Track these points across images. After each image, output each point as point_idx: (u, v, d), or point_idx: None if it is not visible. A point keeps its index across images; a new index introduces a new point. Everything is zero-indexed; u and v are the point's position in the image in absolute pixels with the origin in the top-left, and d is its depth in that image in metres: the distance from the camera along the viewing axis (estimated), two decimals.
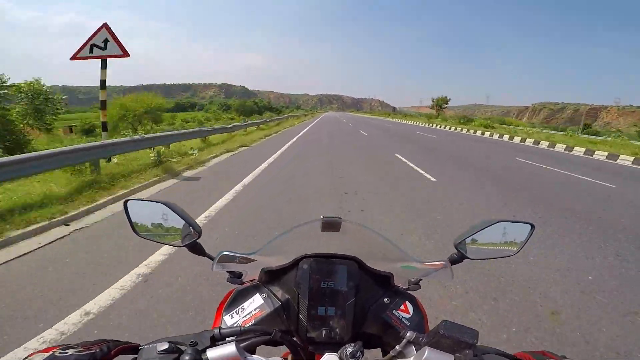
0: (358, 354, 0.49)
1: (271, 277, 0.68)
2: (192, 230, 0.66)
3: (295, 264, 0.65)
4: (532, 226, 0.72)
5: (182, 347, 0.46)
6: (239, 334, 0.52)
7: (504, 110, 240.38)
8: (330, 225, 0.71)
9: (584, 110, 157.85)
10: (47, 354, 0.39)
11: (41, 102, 15.51)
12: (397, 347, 0.53)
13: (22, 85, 14.88)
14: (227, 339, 0.51)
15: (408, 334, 0.52)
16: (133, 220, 0.68)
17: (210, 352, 0.46)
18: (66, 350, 0.41)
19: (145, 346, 0.46)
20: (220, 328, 0.52)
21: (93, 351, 0.42)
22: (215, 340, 0.51)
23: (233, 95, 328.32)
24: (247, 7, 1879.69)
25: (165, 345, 0.44)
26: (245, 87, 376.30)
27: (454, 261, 0.70)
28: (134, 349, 0.47)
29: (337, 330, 0.60)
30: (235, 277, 0.71)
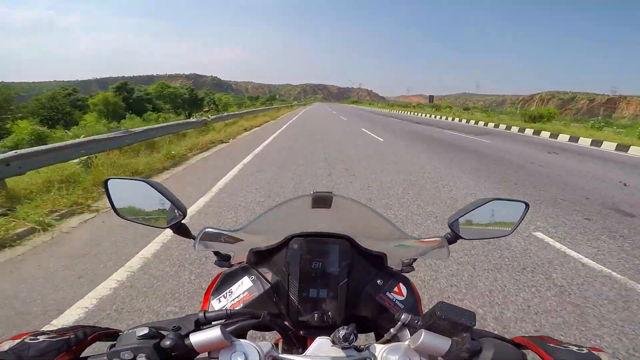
0: (351, 337, 0.48)
1: (260, 258, 0.68)
2: (177, 211, 0.65)
3: (285, 243, 0.65)
4: (527, 205, 0.73)
5: (165, 332, 0.46)
6: (226, 318, 0.52)
7: (498, 100, 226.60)
8: (321, 200, 0.71)
9: (601, 101, 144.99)
10: (16, 341, 0.39)
11: None
12: (391, 330, 0.54)
13: None
14: (213, 322, 0.51)
15: (403, 317, 0.53)
16: (114, 200, 0.67)
17: (194, 337, 0.45)
18: (37, 337, 0.41)
19: (125, 332, 0.46)
20: (205, 312, 0.52)
21: (67, 337, 0.42)
22: (200, 325, 0.50)
23: (203, 87, 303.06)
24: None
25: (146, 330, 0.44)
26: (217, 77, 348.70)
27: (448, 241, 0.70)
28: (113, 334, 0.47)
29: (329, 313, 0.60)
30: (224, 259, 0.71)
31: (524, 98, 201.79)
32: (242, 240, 0.69)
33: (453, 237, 0.70)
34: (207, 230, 0.65)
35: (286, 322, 0.61)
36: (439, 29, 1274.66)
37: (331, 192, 0.71)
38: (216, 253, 0.70)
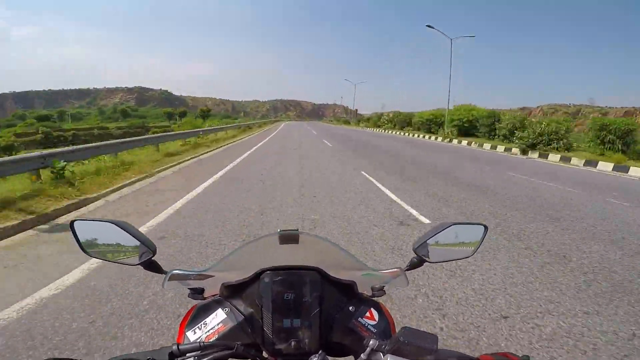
0: None
1: (233, 291, 0.71)
2: (147, 248, 0.69)
3: (256, 277, 0.68)
4: (485, 227, 0.79)
5: None
6: (200, 350, 0.54)
7: None
8: (289, 237, 0.75)
9: (617, 115, 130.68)
10: None
11: None
12: (362, 355, 0.57)
13: None
14: (187, 355, 0.54)
15: (371, 342, 0.57)
16: (82, 241, 0.70)
17: None
18: None
19: None
20: (178, 345, 0.54)
21: None
22: (174, 357, 0.53)
23: (149, 102, 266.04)
24: (193, 12, 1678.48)
25: None
26: (168, 91, 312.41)
27: (413, 265, 0.76)
28: None
29: (306, 341, 0.64)
30: (197, 292, 0.74)
31: (520, 114, 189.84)
32: (212, 276, 0.73)
33: (419, 261, 0.76)
34: (174, 272, 0.70)
35: (264, 352, 0.64)
36: (410, 45, 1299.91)
37: (297, 230, 0.75)
38: (190, 288, 0.74)
